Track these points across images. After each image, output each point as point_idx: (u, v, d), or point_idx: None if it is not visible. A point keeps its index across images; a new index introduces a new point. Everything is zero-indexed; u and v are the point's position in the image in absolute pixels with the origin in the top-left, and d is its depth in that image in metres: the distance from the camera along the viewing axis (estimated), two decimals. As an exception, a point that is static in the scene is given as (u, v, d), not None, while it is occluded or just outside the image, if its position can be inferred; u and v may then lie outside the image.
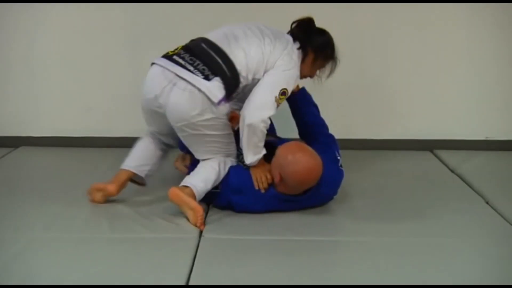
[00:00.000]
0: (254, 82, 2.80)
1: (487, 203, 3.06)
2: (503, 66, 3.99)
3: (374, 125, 4.04)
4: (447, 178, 3.48)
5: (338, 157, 2.98)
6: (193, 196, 2.74)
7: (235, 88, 2.78)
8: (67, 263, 2.35)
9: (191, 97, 2.71)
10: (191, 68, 2.74)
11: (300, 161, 2.73)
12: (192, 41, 2.92)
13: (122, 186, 2.96)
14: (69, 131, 3.99)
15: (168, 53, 2.86)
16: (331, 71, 3.05)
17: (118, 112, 3.97)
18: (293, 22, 3.02)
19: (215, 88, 2.72)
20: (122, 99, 3.94)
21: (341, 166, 2.96)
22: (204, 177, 2.80)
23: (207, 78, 2.72)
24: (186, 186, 2.77)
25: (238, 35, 2.84)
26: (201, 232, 2.65)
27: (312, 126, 3.12)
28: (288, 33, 2.99)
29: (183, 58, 2.79)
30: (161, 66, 2.79)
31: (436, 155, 3.92)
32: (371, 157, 3.80)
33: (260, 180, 2.82)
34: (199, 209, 2.68)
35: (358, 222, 2.79)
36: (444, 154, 3.90)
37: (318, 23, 3.04)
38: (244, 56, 2.77)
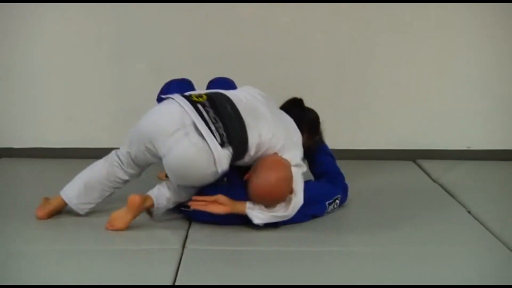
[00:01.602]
0: (255, 158, 2.76)
1: (469, 212, 3.08)
2: (485, 76, 4.03)
3: (357, 135, 4.05)
4: (429, 188, 3.50)
5: (332, 202, 2.96)
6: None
7: (238, 160, 2.74)
8: (47, 276, 2.32)
9: (199, 154, 2.63)
10: (212, 128, 2.64)
11: (261, 176, 2.67)
12: (216, 94, 2.80)
13: (50, 214, 2.82)
14: (51, 142, 3.96)
15: (191, 96, 2.74)
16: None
17: (101, 123, 3.95)
18: (287, 102, 3.06)
19: (225, 157, 2.66)
20: (104, 110, 3.93)
21: (332, 206, 2.96)
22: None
23: (222, 144, 2.64)
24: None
25: (259, 113, 2.77)
26: (184, 243, 2.64)
27: (327, 173, 3.10)
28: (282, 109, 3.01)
29: (207, 112, 2.67)
30: (181, 106, 2.69)
31: (418, 165, 3.94)
32: (354, 167, 3.81)
33: (215, 207, 2.72)
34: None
35: (341, 232, 2.80)
36: (426, 164, 3.92)
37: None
38: (258, 138, 2.72)
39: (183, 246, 2.61)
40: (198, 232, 2.74)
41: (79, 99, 3.94)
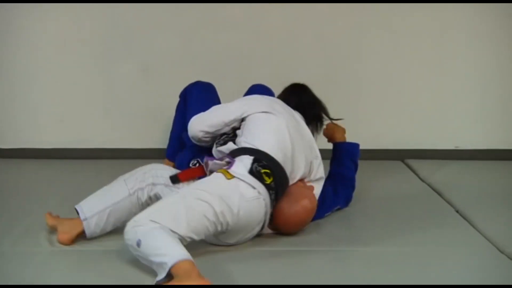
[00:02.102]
0: None
1: (457, 211, 3.09)
2: (474, 76, 4.06)
3: (346, 135, 4.05)
4: (418, 188, 3.51)
5: (330, 212, 2.98)
6: None
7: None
8: (34, 277, 2.31)
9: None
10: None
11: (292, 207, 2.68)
12: (278, 168, 2.64)
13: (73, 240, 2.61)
14: (42, 143, 3.94)
15: (263, 176, 2.57)
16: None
17: (91, 123, 3.95)
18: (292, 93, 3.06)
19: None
20: (94, 110, 3.92)
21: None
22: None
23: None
24: None
25: (294, 155, 2.73)
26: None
27: (341, 177, 3.09)
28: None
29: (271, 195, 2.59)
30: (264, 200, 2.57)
31: (407, 165, 3.96)
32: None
33: None
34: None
35: (328, 232, 2.80)
36: (415, 163, 3.93)
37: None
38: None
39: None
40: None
41: (69, 100, 3.93)
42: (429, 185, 3.53)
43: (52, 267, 2.42)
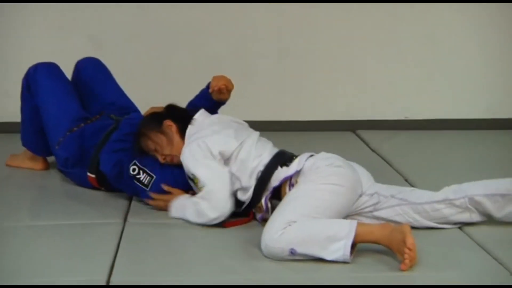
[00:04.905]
0: None
1: (406, 180, 3.15)
2: (422, 46, 4.11)
3: (297, 106, 4.09)
4: (368, 158, 3.55)
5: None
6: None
7: None
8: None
9: None
10: None
11: None
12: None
13: None
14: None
15: None
16: None
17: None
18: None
19: None
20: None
21: None
22: None
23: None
24: None
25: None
26: (125, 217, 2.63)
27: None
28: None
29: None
30: None
31: (358, 136, 4.02)
32: (294, 138, 3.84)
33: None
34: None
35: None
36: (366, 134, 3.99)
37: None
38: None
39: (125, 220, 2.60)
40: (140, 206, 2.73)
41: (15, 74, 3.85)
42: (379, 155, 3.59)
43: (2, 243, 2.39)
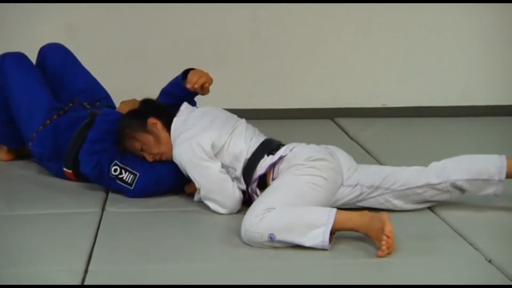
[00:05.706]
0: None
1: (384, 167, 3.18)
2: (397, 34, 4.13)
3: (275, 94, 4.10)
4: (346, 145, 3.53)
5: None
6: None
7: None
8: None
9: None
10: None
11: None
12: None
13: None
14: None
15: None
16: None
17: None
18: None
19: None
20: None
21: None
22: None
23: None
24: None
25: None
26: (104, 206, 2.63)
27: None
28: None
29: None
30: None
31: (336, 123, 4.03)
32: (272, 126, 3.84)
33: None
34: None
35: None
36: (344, 122, 4.01)
37: None
38: None
39: (103, 209, 2.60)
40: (117, 196, 2.72)
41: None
42: (357, 142, 3.62)
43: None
